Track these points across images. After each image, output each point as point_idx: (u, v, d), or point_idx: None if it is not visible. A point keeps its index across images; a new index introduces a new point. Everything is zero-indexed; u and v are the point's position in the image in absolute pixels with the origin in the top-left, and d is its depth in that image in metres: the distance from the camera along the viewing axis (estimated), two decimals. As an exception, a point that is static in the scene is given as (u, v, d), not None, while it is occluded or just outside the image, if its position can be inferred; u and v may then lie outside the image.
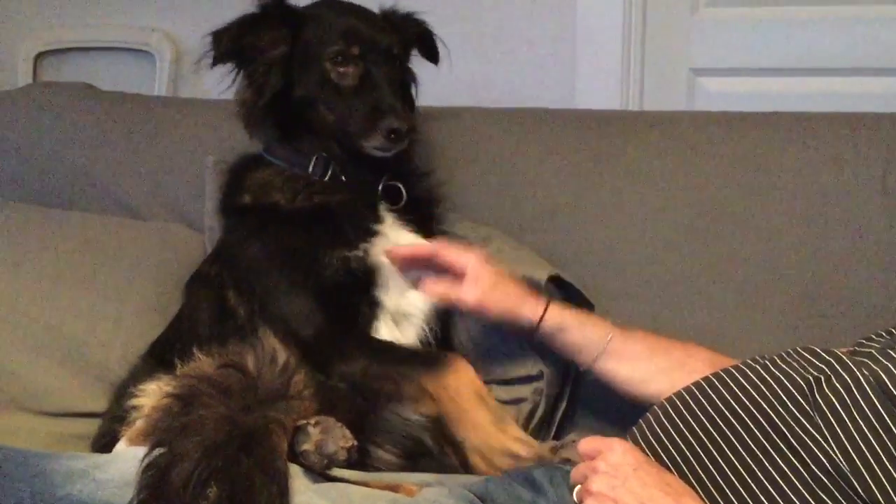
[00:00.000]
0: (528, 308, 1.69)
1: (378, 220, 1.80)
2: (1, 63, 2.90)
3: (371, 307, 1.74)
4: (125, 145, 2.28)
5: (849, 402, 1.29)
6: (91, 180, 2.27)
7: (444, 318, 1.83)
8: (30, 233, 2.12)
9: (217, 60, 1.81)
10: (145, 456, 1.30)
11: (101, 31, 2.84)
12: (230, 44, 1.79)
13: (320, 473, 1.46)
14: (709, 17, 2.51)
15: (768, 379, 1.38)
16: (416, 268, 1.75)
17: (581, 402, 1.86)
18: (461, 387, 1.58)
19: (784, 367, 1.39)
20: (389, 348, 1.68)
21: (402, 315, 1.77)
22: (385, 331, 1.74)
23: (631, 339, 1.71)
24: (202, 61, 1.82)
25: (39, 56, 2.86)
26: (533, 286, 1.83)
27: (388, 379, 1.61)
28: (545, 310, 1.70)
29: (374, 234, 1.77)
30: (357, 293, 1.73)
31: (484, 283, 1.68)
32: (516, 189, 2.08)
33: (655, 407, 1.46)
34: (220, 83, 1.85)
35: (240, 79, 1.84)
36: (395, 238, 1.79)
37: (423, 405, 1.58)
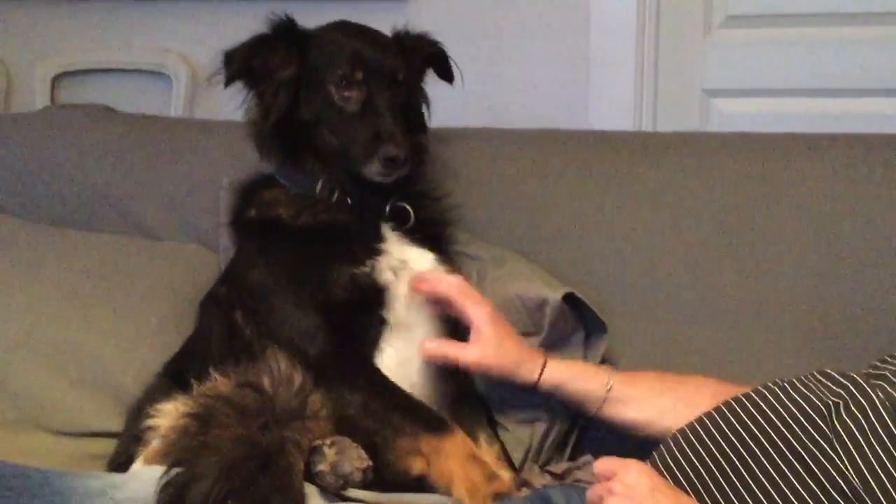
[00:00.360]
0: (526, 369, 1.72)
1: (382, 239, 1.80)
2: (19, 85, 2.92)
3: (377, 327, 1.74)
4: (142, 166, 2.29)
5: (865, 426, 1.30)
6: (108, 201, 2.28)
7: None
8: (48, 253, 2.14)
9: (229, 80, 1.83)
10: (163, 475, 1.31)
11: (118, 54, 2.86)
12: (241, 63, 1.81)
13: (336, 494, 1.46)
14: (722, 38, 2.51)
15: (787, 403, 1.38)
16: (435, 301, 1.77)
17: (596, 423, 1.85)
18: (456, 452, 1.57)
19: (803, 390, 1.40)
20: (393, 392, 1.66)
21: (408, 336, 1.77)
22: (390, 352, 1.74)
23: (632, 383, 1.73)
24: (214, 79, 1.84)
25: (57, 78, 2.88)
26: (544, 307, 1.83)
27: (386, 424, 1.59)
28: (542, 369, 1.72)
29: (378, 252, 1.78)
30: (364, 312, 1.74)
31: (486, 343, 1.70)
32: (530, 209, 2.08)
33: (676, 432, 1.46)
34: (231, 101, 1.87)
35: (251, 98, 1.86)
36: (399, 254, 1.79)
37: (413, 462, 1.58)
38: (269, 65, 1.82)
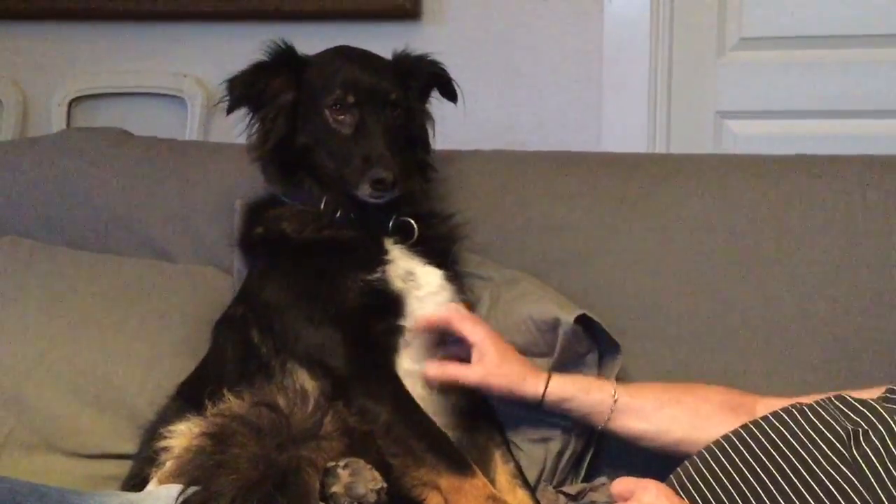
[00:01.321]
0: (530, 385, 1.72)
1: (385, 253, 1.81)
2: (36, 108, 2.94)
3: (394, 334, 1.75)
4: (157, 189, 2.30)
5: (883, 453, 1.30)
6: (123, 223, 2.29)
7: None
8: (63, 275, 2.15)
9: (231, 107, 1.87)
10: (180, 494, 1.31)
11: (134, 77, 2.88)
12: (242, 90, 1.85)
13: (350, 517, 1.46)
14: (735, 60, 2.52)
15: (806, 427, 1.38)
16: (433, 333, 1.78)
17: (612, 443, 1.85)
18: (476, 494, 1.56)
19: (823, 414, 1.40)
20: (416, 414, 1.66)
21: (421, 343, 1.78)
22: (408, 362, 1.74)
23: (638, 394, 1.73)
24: (220, 105, 1.88)
25: (73, 102, 2.90)
26: (557, 328, 1.83)
27: (407, 451, 1.60)
28: (547, 385, 1.72)
29: (385, 262, 1.79)
30: (380, 319, 1.74)
31: (488, 361, 1.71)
32: (543, 232, 2.08)
33: (693, 456, 1.46)
34: (237, 126, 1.91)
35: (253, 123, 1.89)
36: (405, 265, 1.80)
37: (430, 496, 1.58)
38: (269, 91, 1.86)
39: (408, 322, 1.75)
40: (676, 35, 2.50)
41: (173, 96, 2.85)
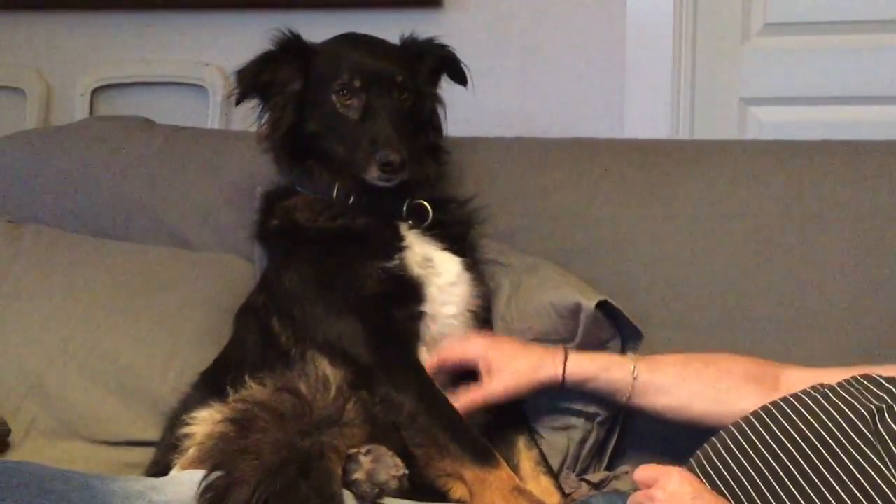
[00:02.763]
0: (548, 370, 1.71)
1: (401, 238, 1.81)
2: (59, 98, 2.96)
3: (415, 321, 1.75)
4: (179, 177, 2.30)
5: (909, 430, 1.28)
6: (145, 211, 2.30)
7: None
8: (86, 263, 2.16)
9: (239, 98, 1.88)
10: (203, 479, 1.32)
11: (156, 67, 2.89)
12: (249, 81, 1.86)
13: (372, 503, 1.46)
14: (759, 46, 2.50)
15: (830, 409, 1.37)
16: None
17: (634, 432, 1.84)
18: (500, 485, 1.56)
19: (845, 395, 1.39)
20: (440, 404, 1.65)
21: (443, 330, 1.78)
22: (426, 353, 1.75)
23: (659, 369, 1.72)
24: (231, 97, 1.89)
25: (96, 91, 2.91)
26: (578, 314, 1.82)
27: (432, 442, 1.60)
28: (565, 364, 1.71)
29: (402, 249, 1.79)
30: (400, 307, 1.74)
31: (498, 369, 1.70)
32: (566, 219, 2.08)
33: (714, 438, 1.45)
34: (258, 114, 1.91)
35: (263, 113, 1.90)
36: (422, 252, 1.80)
37: (454, 486, 1.58)
38: (277, 80, 1.86)
39: (428, 308, 1.75)
40: (700, 20, 2.48)
41: (195, 85, 2.86)
